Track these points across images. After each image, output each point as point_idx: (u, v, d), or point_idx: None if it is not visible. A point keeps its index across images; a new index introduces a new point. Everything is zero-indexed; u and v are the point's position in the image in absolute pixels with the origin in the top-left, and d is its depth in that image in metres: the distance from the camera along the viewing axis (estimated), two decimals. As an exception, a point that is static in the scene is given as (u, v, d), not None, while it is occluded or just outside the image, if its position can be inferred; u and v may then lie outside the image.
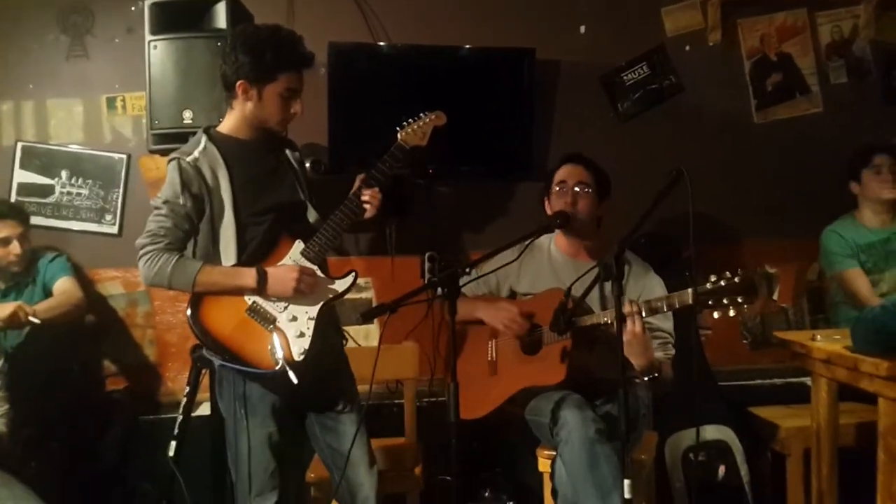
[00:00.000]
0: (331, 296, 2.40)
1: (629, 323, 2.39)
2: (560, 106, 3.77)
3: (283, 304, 2.34)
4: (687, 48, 3.81)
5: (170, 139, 2.95)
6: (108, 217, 3.63)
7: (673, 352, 2.72)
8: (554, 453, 2.55)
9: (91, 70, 3.62)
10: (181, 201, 2.29)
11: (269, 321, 2.32)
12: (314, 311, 2.36)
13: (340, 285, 2.42)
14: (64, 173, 3.62)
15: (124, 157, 3.63)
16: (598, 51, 3.78)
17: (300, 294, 2.32)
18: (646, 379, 2.52)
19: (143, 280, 2.32)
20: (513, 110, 3.61)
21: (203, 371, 2.99)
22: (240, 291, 2.32)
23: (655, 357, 2.58)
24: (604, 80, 3.80)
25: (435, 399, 3.42)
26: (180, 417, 2.98)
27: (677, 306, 2.41)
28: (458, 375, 2.23)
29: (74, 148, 3.63)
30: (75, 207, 3.63)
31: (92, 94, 3.63)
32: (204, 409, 3.12)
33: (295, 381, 2.25)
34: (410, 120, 2.52)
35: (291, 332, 2.32)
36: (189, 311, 2.31)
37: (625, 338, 2.38)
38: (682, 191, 2.11)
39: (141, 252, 2.28)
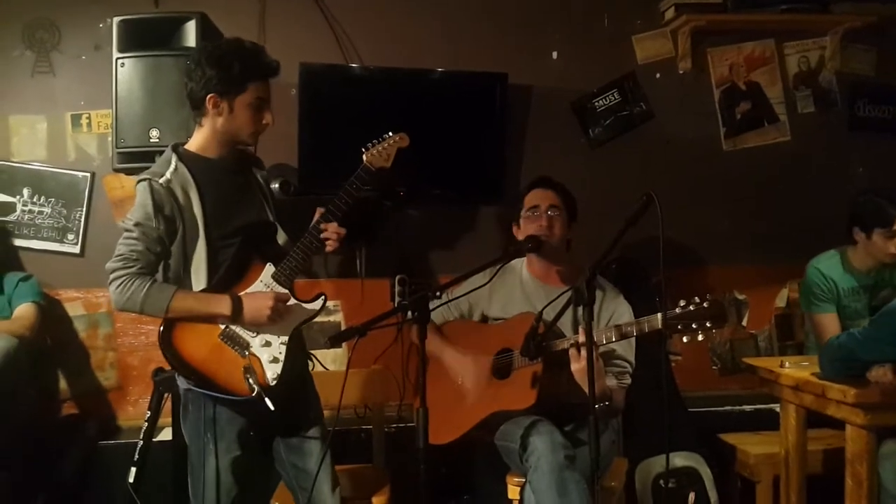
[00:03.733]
0: (301, 320, 2.37)
1: (575, 355, 2.39)
2: (531, 131, 3.79)
3: (255, 330, 2.30)
4: (657, 76, 3.86)
5: (136, 158, 2.91)
6: (70, 236, 3.56)
7: (629, 381, 2.72)
8: (523, 480, 2.51)
9: (56, 87, 3.57)
10: (154, 224, 2.23)
11: (243, 347, 2.28)
12: (286, 336, 2.33)
13: (311, 309, 2.38)
14: (26, 191, 3.55)
15: (88, 175, 3.57)
16: (570, 77, 3.81)
17: (273, 322, 2.28)
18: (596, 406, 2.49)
19: (114, 305, 2.24)
20: (484, 134, 3.61)
21: (165, 395, 2.93)
22: (213, 318, 2.27)
23: (607, 385, 2.57)
24: (575, 105, 3.83)
25: (404, 424, 3.37)
26: (141, 443, 2.92)
27: (647, 331, 2.41)
28: (427, 400, 2.19)
29: (37, 165, 3.57)
30: (36, 226, 3.55)
31: (57, 111, 3.57)
32: (165, 435, 3.05)
33: (272, 407, 2.22)
34: (375, 141, 2.49)
35: (265, 358, 2.29)
36: (161, 336, 2.25)
37: (572, 367, 2.40)
38: (652, 216, 2.11)
39: (112, 276, 2.21)
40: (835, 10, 3.77)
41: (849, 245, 3.19)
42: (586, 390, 2.35)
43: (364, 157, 2.45)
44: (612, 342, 2.52)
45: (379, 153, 2.45)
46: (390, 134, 2.47)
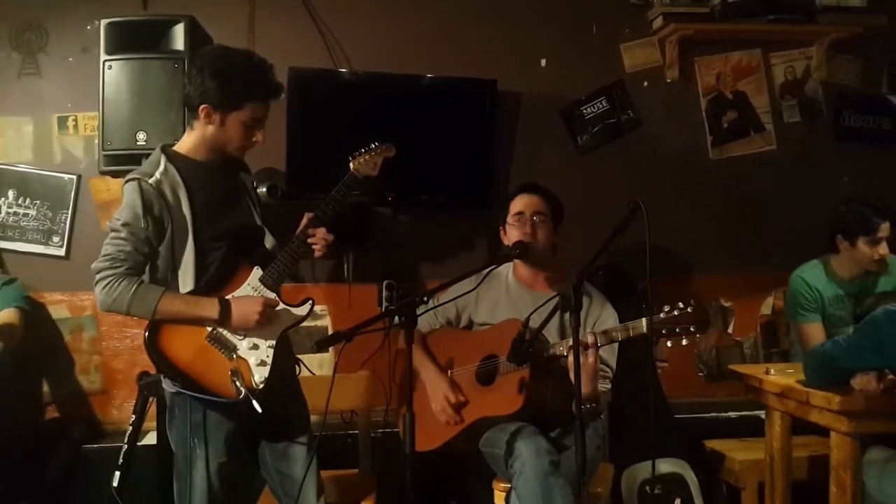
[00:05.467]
0: (289, 324, 2.36)
1: (583, 354, 2.39)
2: (520, 137, 3.80)
3: (242, 333, 2.29)
4: (645, 84, 3.88)
5: (122, 160, 2.90)
6: (56, 239, 3.54)
7: (609, 386, 2.74)
8: (509, 486, 2.51)
9: (43, 88, 3.56)
10: (142, 224, 2.20)
11: (230, 349, 2.27)
12: (273, 340, 2.32)
13: (298, 313, 2.37)
14: (11, 193, 3.53)
15: (74, 177, 3.55)
16: (559, 84, 3.82)
17: (261, 326, 2.27)
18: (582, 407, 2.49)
19: (100, 306, 2.21)
20: (474, 140, 3.62)
21: (150, 399, 2.91)
22: (200, 321, 2.26)
23: (600, 387, 2.57)
24: (564, 112, 3.84)
25: (390, 430, 3.36)
26: (125, 447, 2.90)
27: (632, 335, 2.43)
28: (414, 406, 2.19)
29: (23, 167, 3.55)
30: (21, 228, 3.53)
31: (43, 112, 3.55)
32: (150, 439, 3.03)
33: (259, 410, 2.21)
34: (363, 150, 2.48)
35: (252, 361, 2.28)
36: (147, 337, 2.23)
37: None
38: (639, 223, 2.13)
39: (98, 276, 2.19)
40: (821, 21, 3.80)
41: (830, 254, 3.22)
42: (587, 387, 2.36)
43: (351, 164, 2.45)
44: (600, 345, 2.52)
45: (366, 162, 2.45)
46: (377, 143, 2.48)
